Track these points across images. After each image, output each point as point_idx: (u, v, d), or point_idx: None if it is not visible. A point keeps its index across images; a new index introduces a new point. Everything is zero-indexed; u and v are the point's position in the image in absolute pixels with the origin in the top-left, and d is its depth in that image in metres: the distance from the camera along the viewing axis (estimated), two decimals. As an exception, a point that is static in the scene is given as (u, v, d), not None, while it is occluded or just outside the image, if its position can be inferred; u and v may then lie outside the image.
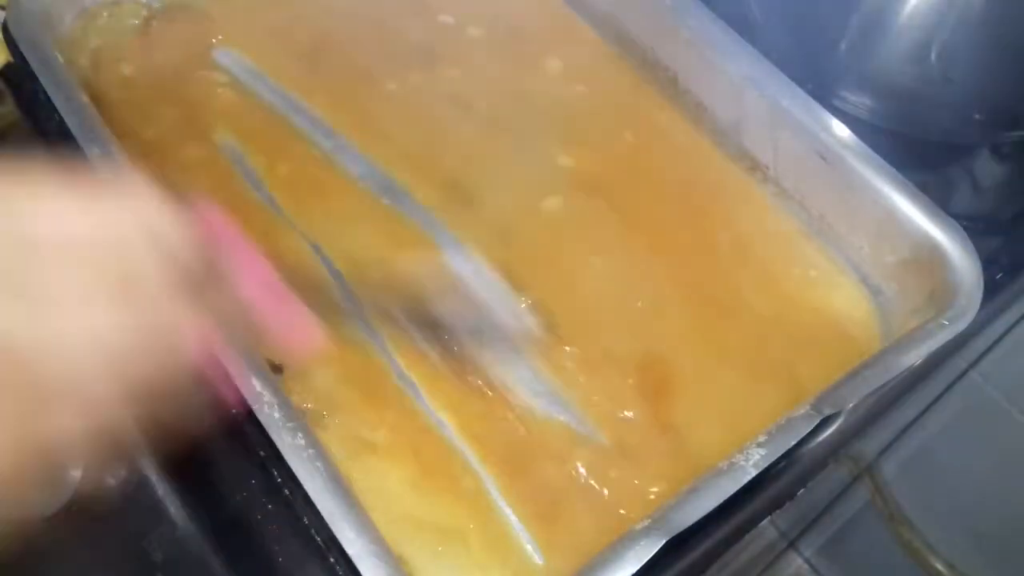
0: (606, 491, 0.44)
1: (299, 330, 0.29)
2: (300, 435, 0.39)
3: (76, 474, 0.43)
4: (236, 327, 0.27)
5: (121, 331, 0.25)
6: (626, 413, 0.47)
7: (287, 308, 0.29)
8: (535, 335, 0.46)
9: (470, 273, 0.48)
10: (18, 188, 0.25)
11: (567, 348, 0.48)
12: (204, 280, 0.26)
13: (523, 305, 0.47)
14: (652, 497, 0.44)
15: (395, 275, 0.46)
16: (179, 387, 0.26)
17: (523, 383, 0.46)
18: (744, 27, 0.55)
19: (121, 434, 0.26)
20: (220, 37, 0.59)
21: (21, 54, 0.50)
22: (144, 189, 0.26)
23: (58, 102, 0.48)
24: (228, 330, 0.26)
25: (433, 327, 0.43)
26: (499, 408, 0.46)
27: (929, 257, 0.48)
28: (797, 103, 0.52)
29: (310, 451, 0.39)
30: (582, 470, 0.45)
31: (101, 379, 0.25)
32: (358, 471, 0.44)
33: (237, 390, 0.33)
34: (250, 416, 0.40)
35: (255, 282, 0.29)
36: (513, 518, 0.43)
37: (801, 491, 0.46)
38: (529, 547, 0.43)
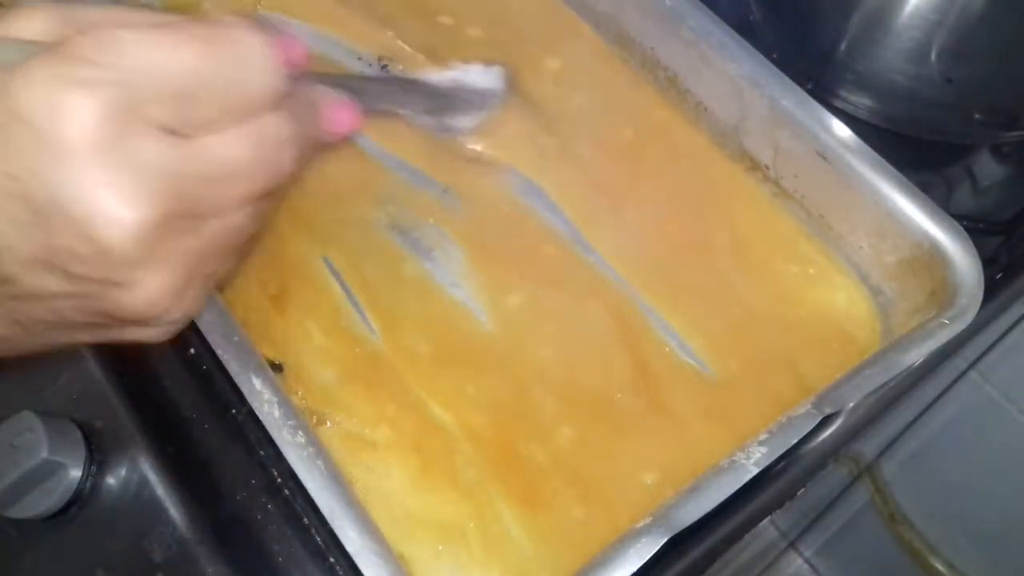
0: (599, 478, 0.45)
1: (345, 112, 0.34)
2: (300, 433, 0.39)
3: (76, 474, 0.43)
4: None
5: (256, 149, 0.28)
6: (618, 395, 0.47)
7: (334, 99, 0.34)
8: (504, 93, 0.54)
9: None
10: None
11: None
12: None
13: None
14: (649, 482, 0.45)
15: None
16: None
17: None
18: (744, 27, 0.55)
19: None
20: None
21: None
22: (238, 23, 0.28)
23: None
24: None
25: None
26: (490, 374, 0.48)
27: (929, 257, 0.48)
28: (797, 103, 0.52)
29: (310, 450, 0.39)
30: (573, 454, 0.45)
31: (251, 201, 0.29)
32: (358, 469, 0.44)
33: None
34: (250, 415, 0.40)
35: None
36: (510, 514, 0.43)
37: (801, 491, 0.46)
38: (528, 544, 0.43)
